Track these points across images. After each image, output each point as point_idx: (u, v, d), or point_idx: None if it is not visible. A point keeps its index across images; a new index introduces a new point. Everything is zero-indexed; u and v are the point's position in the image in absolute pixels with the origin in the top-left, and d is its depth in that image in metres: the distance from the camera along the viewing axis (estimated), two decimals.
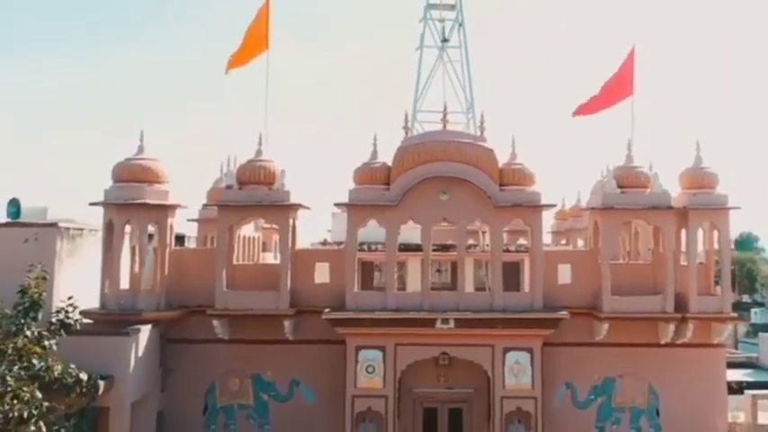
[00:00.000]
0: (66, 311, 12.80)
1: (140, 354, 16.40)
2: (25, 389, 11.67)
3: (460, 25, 33.18)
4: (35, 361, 11.94)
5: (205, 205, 25.29)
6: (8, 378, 11.44)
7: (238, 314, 17.64)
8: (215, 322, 17.63)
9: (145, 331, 16.72)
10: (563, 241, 31.00)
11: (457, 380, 18.08)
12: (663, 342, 18.08)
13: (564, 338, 17.69)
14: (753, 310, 63.87)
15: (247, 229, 22.54)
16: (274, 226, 21.70)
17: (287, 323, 17.71)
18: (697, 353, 18.27)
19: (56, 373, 12.27)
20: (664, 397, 18.32)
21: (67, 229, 18.20)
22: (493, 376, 17.40)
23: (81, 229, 18.81)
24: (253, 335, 17.89)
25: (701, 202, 18.02)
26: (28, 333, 11.90)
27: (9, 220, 18.17)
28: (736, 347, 48.43)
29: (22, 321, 12.00)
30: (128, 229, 18.17)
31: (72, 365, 12.72)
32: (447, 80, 32.70)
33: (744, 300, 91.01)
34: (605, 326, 17.79)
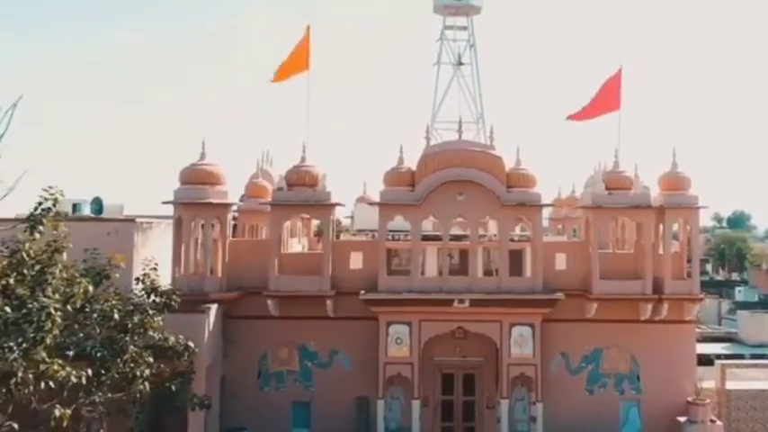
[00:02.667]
0: (169, 294, 16.24)
1: (211, 328, 19.75)
2: (138, 353, 15.10)
3: (472, 46, 36.76)
4: (151, 332, 15.37)
5: (243, 197, 28.52)
6: (132, 346, 14.83)
7: (288, 295, 20.97)
8: (269, 302, 20.97)
9: (213, 309, 20.10)
10: (559, 226, 34.25)
11: (470, 350, 21.40)
12: (642, 319, 21.31)
13: (560, 315, 20.89)
14: (737, 289, 67.03)
15: None
16: (303, 215, 25.10)
17: (329, 302, 21.04)
18: (671, 328, 21.51)
19: (170, 343, 15.75)
20: (643, 365, 21.54)
21: (141, 223, 21.56)
22: (500, 347, 20.68)
23: (150, 223, 22.17)
24: (299, 312, 21.13)
25: (676, 202, 21.38)
26: (150, 311, 15.32)
27: (93, 215, 21.48)
28: (719, 323, 51.86)
29: (142, 301, 15.40)
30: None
31: (181, 336, 16.20)
32: (461, 94, 36.17)
33: (733, 278, 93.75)
34: (594, 305, 21.10)
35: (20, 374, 11.83)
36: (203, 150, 21.50)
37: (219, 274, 21.16)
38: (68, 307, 13.22)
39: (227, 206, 21.41)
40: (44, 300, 12.21)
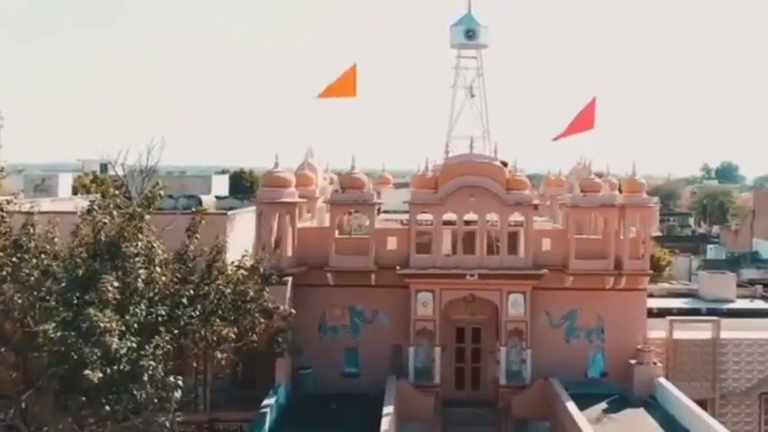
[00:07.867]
0: (271, 274, 23.31)
1: (288, 295, 26.82)
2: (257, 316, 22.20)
3: (480, 75, 44.16)
4: (262, 302, 22.46)
5: None
6: (255, 313, 21.90)
7: (343, 270, 28.06)
8: (329, 275, 27.97)
9: (290, 281, 27.17)
10: (547, 203, 40.66)
11: (477, 311, 28.45)
12: (606, 288, 28.35)
13: (545, 285, 27.82)
14: (709, 246, 73.95)
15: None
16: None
17: (372, 275, 28.02)
18: (628, 295, 28.51)
19: (280, 309, 22.91)
20: (607, 321, 28.54)
21: (230, 215, 28.58)
22: (500, 308, 27.78)
23: (234, 214, 29.20)
24: (350, 282, 27.93)
25: (634, 202, 28.50)
26: (263, 285, 22.39)
27: (194, 209, 28.38)
28: (689, 279, 58.79)
29: (259, 280, 22.43)
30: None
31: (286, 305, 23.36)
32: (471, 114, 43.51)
33: (714, 231, 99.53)
34: (571, 278, 28.16)
35: (203, 332, 18.99)
36: (277, 160, 28.35)
37: (290, 254, 28.17)
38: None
39: (295, 203, 28.37)
40: (221, 286, 19.38)
